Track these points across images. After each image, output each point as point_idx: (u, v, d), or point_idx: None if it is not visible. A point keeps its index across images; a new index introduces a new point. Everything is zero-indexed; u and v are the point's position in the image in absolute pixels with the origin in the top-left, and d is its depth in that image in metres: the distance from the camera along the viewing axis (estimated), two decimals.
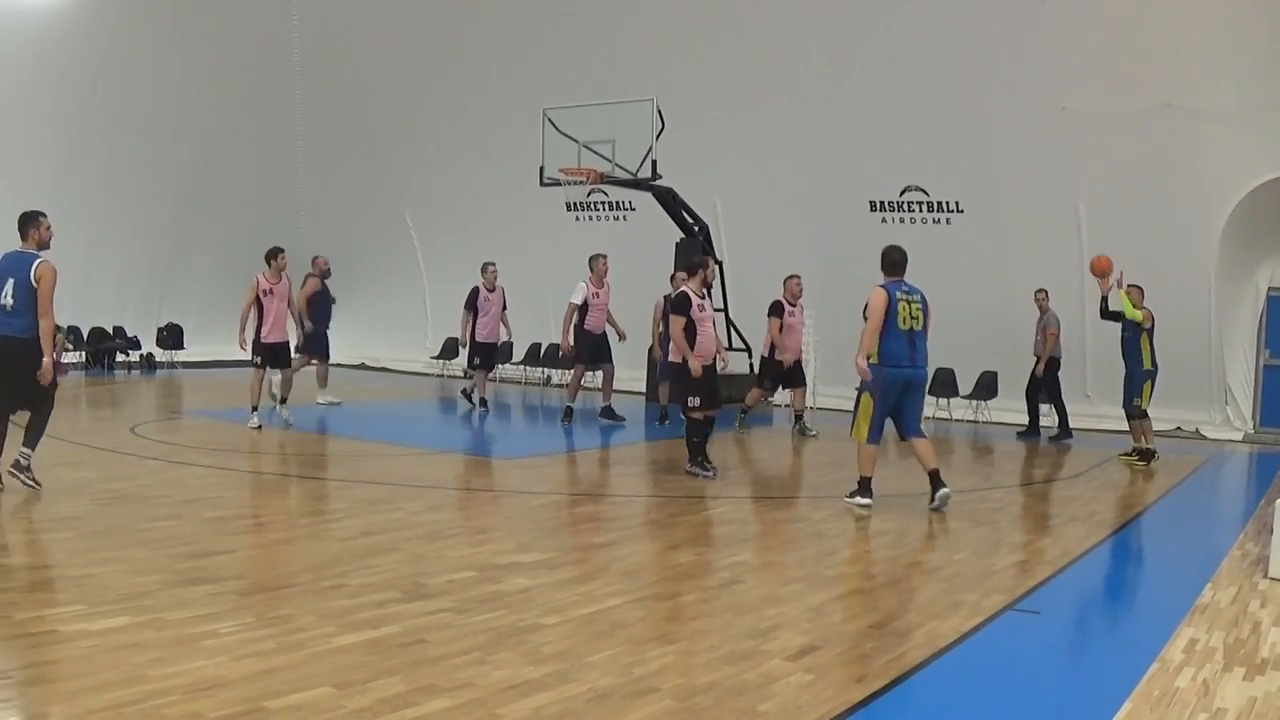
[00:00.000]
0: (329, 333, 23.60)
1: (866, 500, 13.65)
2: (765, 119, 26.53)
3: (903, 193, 25.71)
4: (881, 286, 13.78)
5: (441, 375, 31.59)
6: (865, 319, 13.55)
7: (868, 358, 13.52)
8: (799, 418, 21.47)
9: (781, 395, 22.57)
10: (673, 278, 20.75)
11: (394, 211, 33.72)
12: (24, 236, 12.94)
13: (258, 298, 19.56)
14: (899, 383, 13.58)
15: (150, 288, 33.34)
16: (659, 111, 23.32)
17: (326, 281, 23.24)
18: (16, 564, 9.62)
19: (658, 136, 23.40)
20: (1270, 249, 23.43)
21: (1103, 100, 22.66)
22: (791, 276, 21.03)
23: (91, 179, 30.36)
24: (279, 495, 13.51)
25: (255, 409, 19.47)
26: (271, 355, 19.76)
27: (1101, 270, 17.90)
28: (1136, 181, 22.71)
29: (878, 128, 25.25)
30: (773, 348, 20.95)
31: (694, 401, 15.71)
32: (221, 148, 32.38)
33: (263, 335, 19.54)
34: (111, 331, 32.00)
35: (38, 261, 12.71)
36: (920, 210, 25.56)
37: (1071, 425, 22.02)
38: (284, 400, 20.25)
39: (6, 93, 28.55)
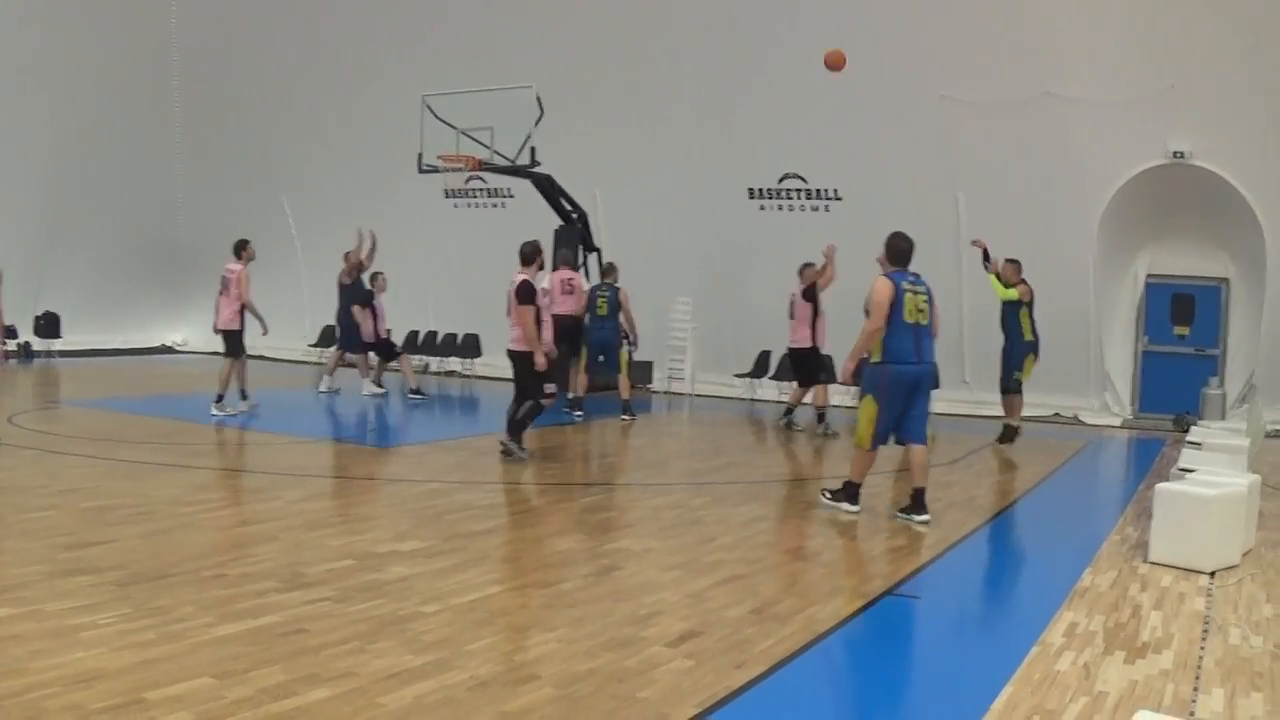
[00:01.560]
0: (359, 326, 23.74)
1: (854, 507, 12.87)
2: (644, 107, 26.64)
3: (781, 180, 25.88)
4: (886, 277, 12.75)
5: (319, 363, 31.48)
6: (867, 313, 12.65)
7: (867, 356, 12.66)
8: (821, 416, 20.75)
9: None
10: (556, 266, 20.90)
11: (271, 198, 33.51)
12: None
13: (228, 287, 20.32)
14: (906, 382, 12.48)
15: (26, 276, 32.97)
16: (538, 99, 23.35)
17: (360, 275, 23.38)
18: None
19: (536, 124, 23.44)
20: (1148, 236, 23.73)
21: (982, 89, 22.92)
22: (807, 265, 20.54)
23: None
24: (158, 484, 13.39)
25: (221, 398, 20.10)
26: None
27: (834, 64, 17.89)
28: (1016, 170, 22.98)
29: (756, 115, 25.41)
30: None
31: (550, 388, 16.02)
32: (98, 133, 32.11)
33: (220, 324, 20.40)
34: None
35: None
36: (799, 198, 25.73)
37: (950, 412, 22.26)
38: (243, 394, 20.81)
39: None
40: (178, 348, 37.62)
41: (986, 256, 19.45)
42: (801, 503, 13.51)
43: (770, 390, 25.81)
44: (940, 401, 22.91)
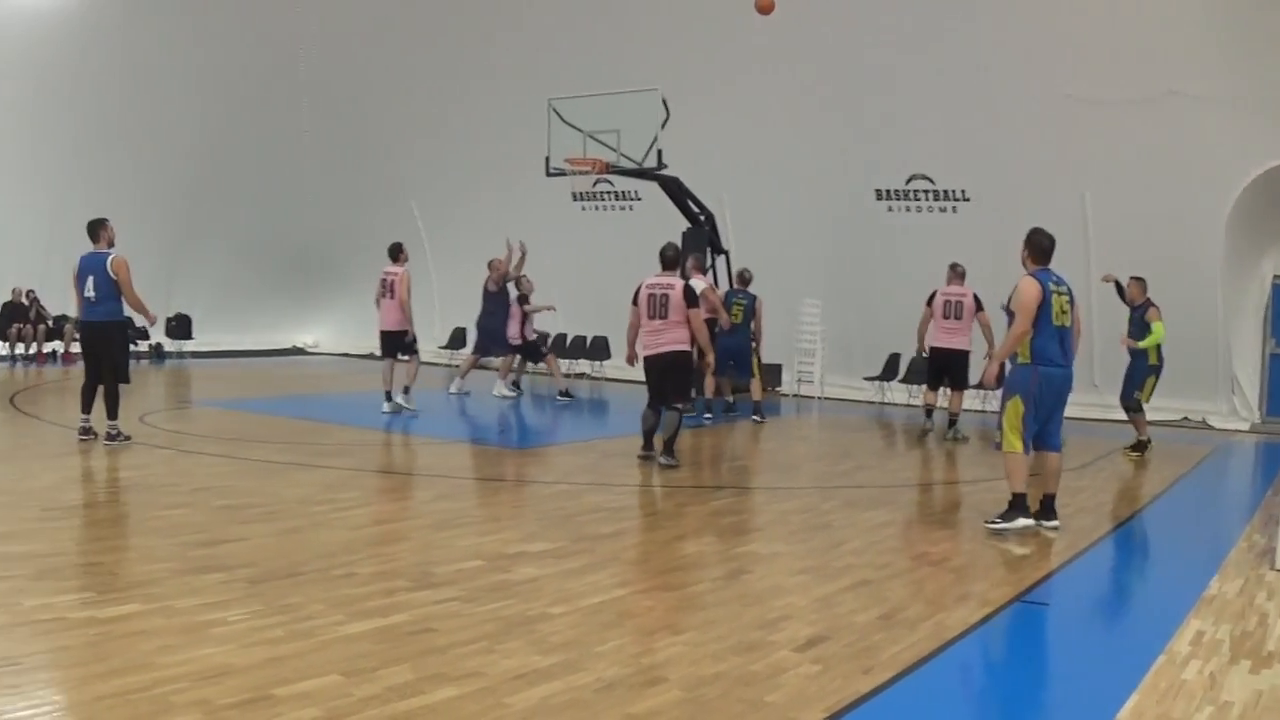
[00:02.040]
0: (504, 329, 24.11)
1: (1027, 520, 12.10)
2: (771, 108, 26.48)
3: (909, 181, 25.66)
4: (1033, 277, 12.17)
5: (450, 365, 31.56)
6: (1009, 312, 12.57)
7: (1015, 357, 12.12)
8: (953, 421, 20.18)
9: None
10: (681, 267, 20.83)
11: (401, 202, 33.69)
12: (95, 239, 15.98)
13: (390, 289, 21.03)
14: (1055, 385, 12.08)
15: (159, 279, 33.34)
16: (664, 101, 23.29)
17: (506, 283, 23.61)
18: (25, 551, 9.58)
19: (663, 126, 23.37)
20: (1276, 237, 23.32)
21: (1107, 87, 22.56)
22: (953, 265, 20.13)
23: (99, 172, 30.37)
24: (289, 483, 13.48)
25: (390, 395, 21.02)
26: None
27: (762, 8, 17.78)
28: (1142, 169, 22.59)
29: (884, 116, 25.18)
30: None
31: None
32: (229, 139, 32.44)
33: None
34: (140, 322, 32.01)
35: (111, 257, 15.72)
36: (927, 199, 25.50)
37: (1080, 416, 21.99)
38: (405, 389, 21.27)
39: (17, 87, 28.58)
40: (308, 349, 37.94)
41: (1120, 290, 19.14)
42: (930, 508, 13.36)
43: (900, 393, 25.60)
44: (1071, 405, 22.70)
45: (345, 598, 8.49)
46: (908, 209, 25.79)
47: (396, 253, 21.36)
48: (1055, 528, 12.14)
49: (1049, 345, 11.93)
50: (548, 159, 24.61)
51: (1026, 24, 23.15)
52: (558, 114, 24.73)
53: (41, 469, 13.96)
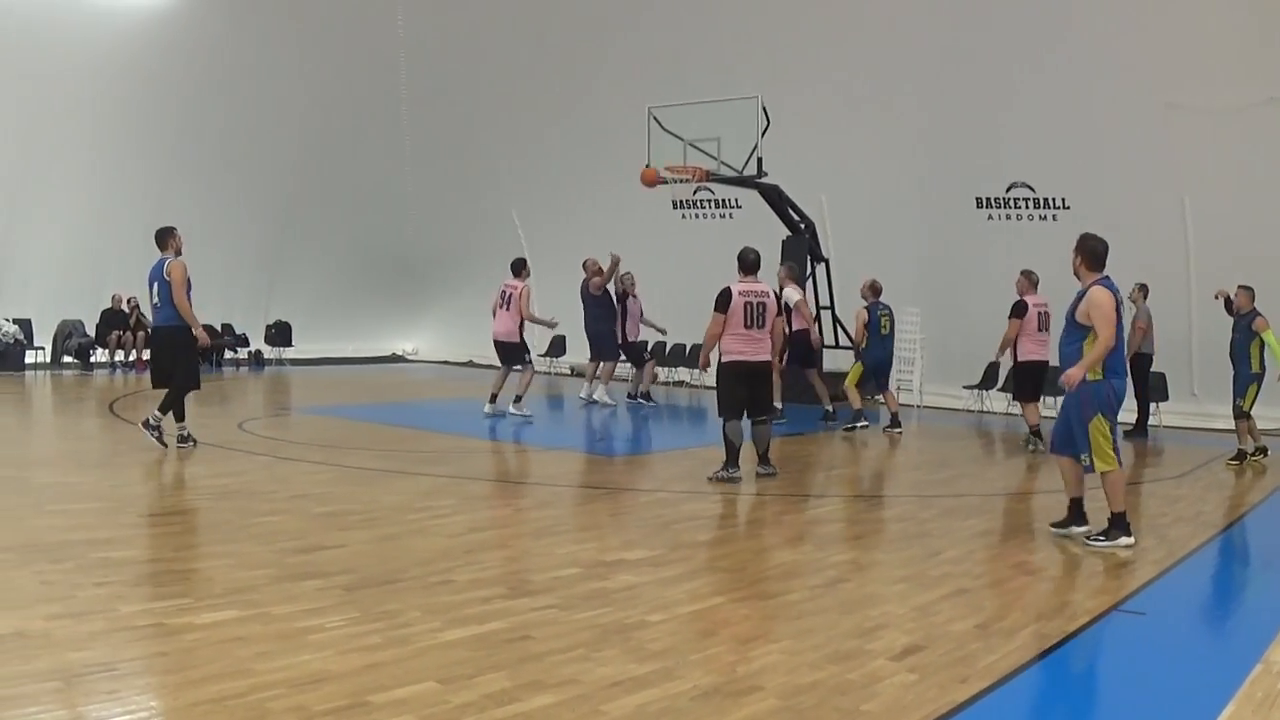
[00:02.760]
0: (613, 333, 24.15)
1: (1130, 539, 11.61)
2: (871, 115, 26.37)
3: (1009, 189, 25.45)
4: (1103, 285, 11.61)
5: (549, 373, 31.59)
6: (1083, 324, 11.42)
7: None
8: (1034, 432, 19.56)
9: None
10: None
11: (501, 210, 33.77)
12: (162, 246, 16.15)
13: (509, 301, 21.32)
14: (1121, 395, 11.75)
15: (259, 286, 33.65)
16: (764, 109, 23.24)
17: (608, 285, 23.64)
18: (124, 557, 9.66)
19: (763, 134, 23.31)
20: None
21: (1207, 95, 22.31)
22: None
23: (199, 179, 30.70)
24: (388, 490, 13.50)
25: (495, 398, 21.58)
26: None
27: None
28: (1242, 177, 22.32)
29: (984, 124, 25.01)
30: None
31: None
32: (330, 146, 32.66)
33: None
34: (220, 329, 32.29)
35: (168, 261, 15.86)
36: (1027, 207, 25.29)
37: (1179, 425, 21.77)
38: (517, 398, 21.44)
39: (119, 95, 28.88)
40: (407, 356, 38.11)
41: (1229, 304, 18.90)
42: (1028, 517, 13.22)
43: (999, 402, 25.41)
44: (1168, 414, 22.49)
45: (442, 605, 8.48)
46: (1008, 217, 25.58)
47: (520, 268, 21.62)
48: (1088, 532, 11.93)
49: (1117, 357, 11.67)
50: (648, 166, 24.60)
51: (1126, 32, 22.92)
52: (658, 122, 24.74)
53: (140, 476, 14.11)
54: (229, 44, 30.00)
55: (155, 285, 15.90)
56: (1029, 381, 19.26)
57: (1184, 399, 22.56)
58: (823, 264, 25.18)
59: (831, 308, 25.53)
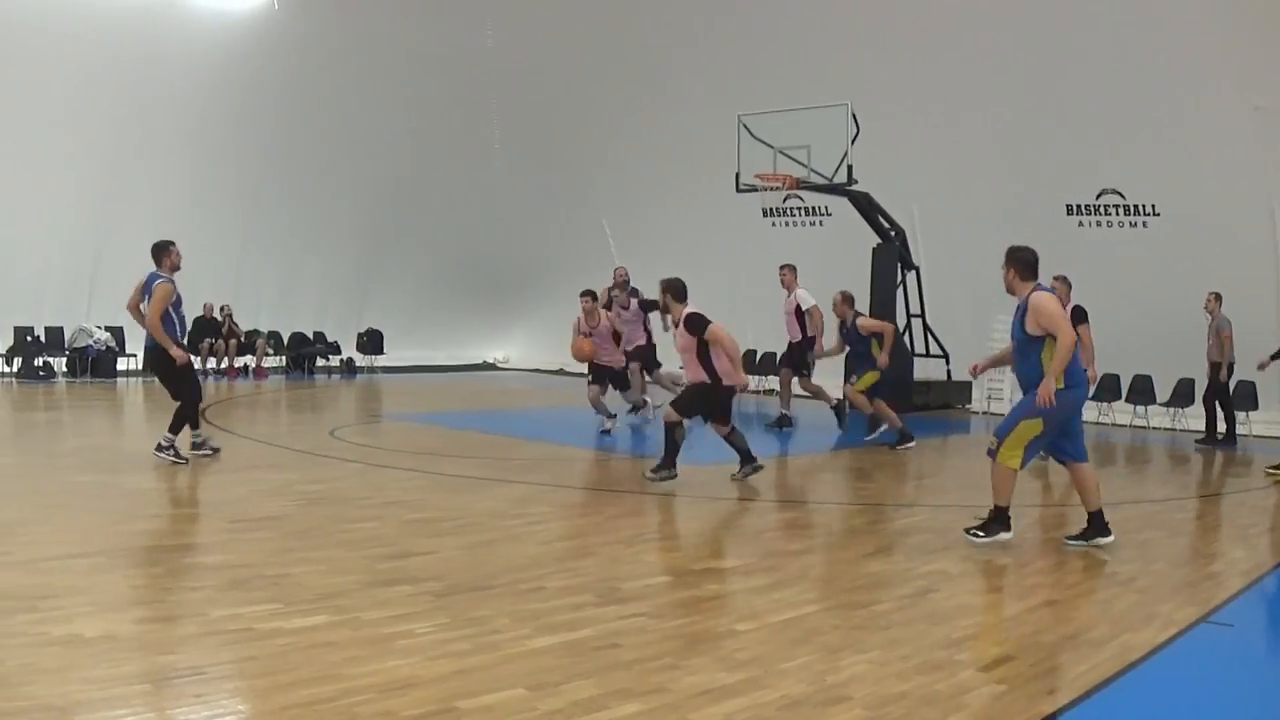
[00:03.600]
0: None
1: (1008, 534, 11.65)
2: (961, 123, 26.21)
3: (1099, 196, 25.23)
4: (1040, 290, 11.39)
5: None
6: (1035, 336, 11.11)
7: (1033, 380, 11.27)
8: None
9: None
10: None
11: (592, 220, 33.82)
12: (157, 262, 15.53)
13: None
14: (1079, 403, 11.72)
15: (352, 294, 33.85)
16: (854, 116, 23.15)
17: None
18: (215, 562, 9.72)
19: (853, 141, 23.23)
20: None
21: None
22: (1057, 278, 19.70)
23: (292, 189, 30.98)
24: (479, 498, 13.53)
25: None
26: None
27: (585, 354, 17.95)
28: None
29: (1073, 131, 24.79)
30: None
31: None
32: (423, 158, 32.80)
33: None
34: (312, 337, 32.52)
35: (158, 281, 15.23)
36: (1117, 214, 25.07)
37: (1269, 434, 21.54)
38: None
39: (213, 100, 29.14)
40: (499, 364, 38.22)
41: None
42: (1118, 527, 13.06)
43: (1089, 411, 25.13)
44: (1258, 423, 22.23)
45: (532, 611, 8.47)
46: (1098, 224, 25.37)
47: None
48: (1111, 543, 11.69)
49: (1074, 364, 11.35)
50: (738, 175, 24.61)
51: (1216, 36, 22.70)
52: (748, 130, 24.71)
53: (231, 482, 14.18)
54: (328, 52, 30.20)
55: (147, 299, 15.30)
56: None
57: (1273, 407, 22.31)
58: (913, 271, 25.06)
59: (923, 315, 25.41)
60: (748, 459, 15.46)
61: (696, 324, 14.82)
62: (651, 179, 32.12)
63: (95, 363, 28.03)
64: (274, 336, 32.04)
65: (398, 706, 6.36)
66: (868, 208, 24.48)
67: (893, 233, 24.87)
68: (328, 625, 7.91)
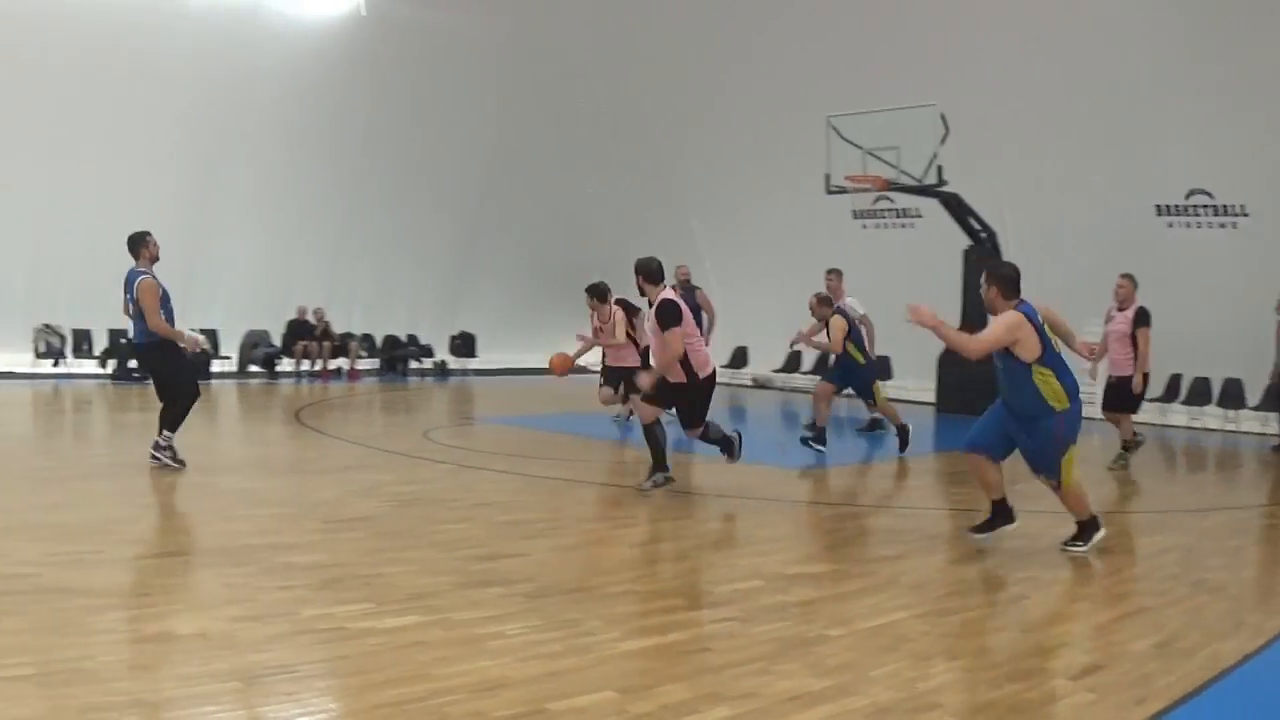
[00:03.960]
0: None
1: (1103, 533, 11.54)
2: (1051, 122, 26.03)
3: (1189, 196, 24.98)
4: (1020, 310, 10.83)
5: (729, 384, 31.53)
6: (1019, 356, 10.69)
7: (1049, 407, 10.86)
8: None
9: None
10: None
11: (681, 221, 33.76)
12: (135, 255, 14.65)
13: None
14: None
15: (444, 298, 34.01)
16: (942, 117, 23.06)
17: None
18: (308, 562, 9.77)
19: (942, 141, 23.13)
20: None
21: None
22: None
23: (385, 193, 31.19)
24: (572, 500, 13.57)
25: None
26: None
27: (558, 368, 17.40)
28: None
29: (1161, 130, 24.57)
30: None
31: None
32: (510, 159, 32.97)
33: None
34: (405, 339, 32.66)
35: (139, 280, 14.38)
36: (1206, 214, 24.80)
37: None
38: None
39: (307, 105, 29.36)
40: (591, 368, 38.22)
41: None
42: (1211, 534, 12.94)
43: (1179, 415, 24.93)
44: None
45: (623, 614, 8.53)
46: (1187, 225, 25.12)
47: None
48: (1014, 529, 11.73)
49: (1071, 378, 10.93)
50: (828, 176, 24.58)
51: None
52: (837, 131, 24.69)
53: (324, 482, 14.30)
54: (415, 58, 30.35)
55: (128, 298, 14.57)
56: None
57: None
58: None
59: None
60: (727, 449, 14.95)
61: (667, 315, 13.66)
62: (740, 181, 32.00)
63: (203, 367, 28.21)
64: (367, 339, 32.21)
65: (488, 707, 6.39)
66: (958, 209, 24.35)
67: (984, 234, 24.71)
68: (419, 625, 7.96)
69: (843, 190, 24.40)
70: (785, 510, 13.85)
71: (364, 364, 31.70)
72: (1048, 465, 11.13)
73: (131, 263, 14.65)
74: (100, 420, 21.71)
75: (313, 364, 30.01)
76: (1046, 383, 10.69)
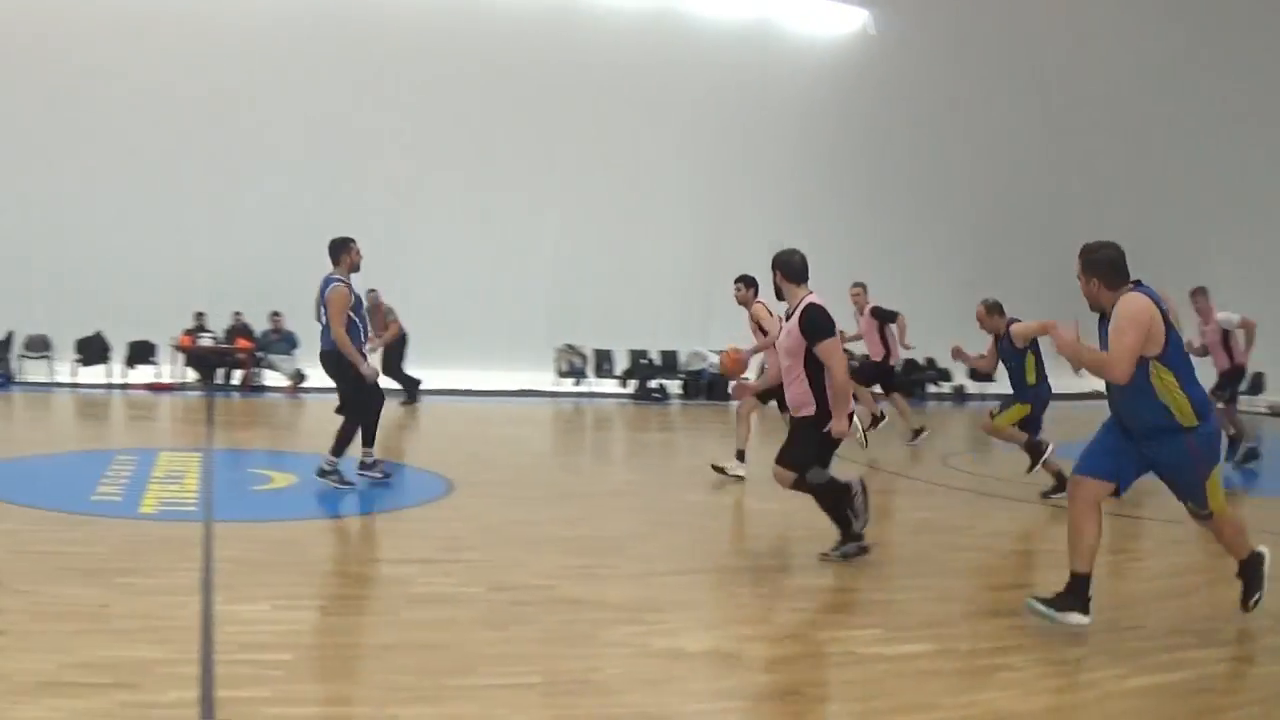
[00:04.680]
0: None
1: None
2: None
3: None
4: (1137, 292, 8.50)
5: (1246, 411, 30.45)
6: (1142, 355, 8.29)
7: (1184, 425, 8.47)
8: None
9: None
10: None
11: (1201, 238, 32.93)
12: (335, 261, 14.22)
13: None
14: None
15: (960, 320, 34.01)
16: None
17: None
18: (822, 585, 10.07)
19: None
20: None
21: None
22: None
23: (890, 219, 31.43)
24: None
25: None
26: None
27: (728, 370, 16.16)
28: None
29: None
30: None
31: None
32: (1011, 189, 32.74)
33: None
34: (923, 363, 32.74)
35: (331, 286, 13.94)
36: None
37: None
38: None
39: (809, 126, 30.00)
40: None
41: None
42: None
43: None
44: None
45: (1129, 650, 8.39)
46: None
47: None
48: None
49: (1202, 391, 8.63)
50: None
51: None
52: None
53: None
54: (916, 80, 30.65)
55: (319, 304, 14.20)
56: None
57: None
58: None
59: None
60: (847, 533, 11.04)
61: (814, 324, 10.72)
62: (1263, 190, 31.12)
63: (710, 386, 28.92)
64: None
65: None
66: None
67: None
68: (927, 654, 8.07)
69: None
70: None
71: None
72: (1192, 491, 8.86)
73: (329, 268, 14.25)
74: (619, 438, 22.55)
75: None
76: (1168, 390, 8.35)
